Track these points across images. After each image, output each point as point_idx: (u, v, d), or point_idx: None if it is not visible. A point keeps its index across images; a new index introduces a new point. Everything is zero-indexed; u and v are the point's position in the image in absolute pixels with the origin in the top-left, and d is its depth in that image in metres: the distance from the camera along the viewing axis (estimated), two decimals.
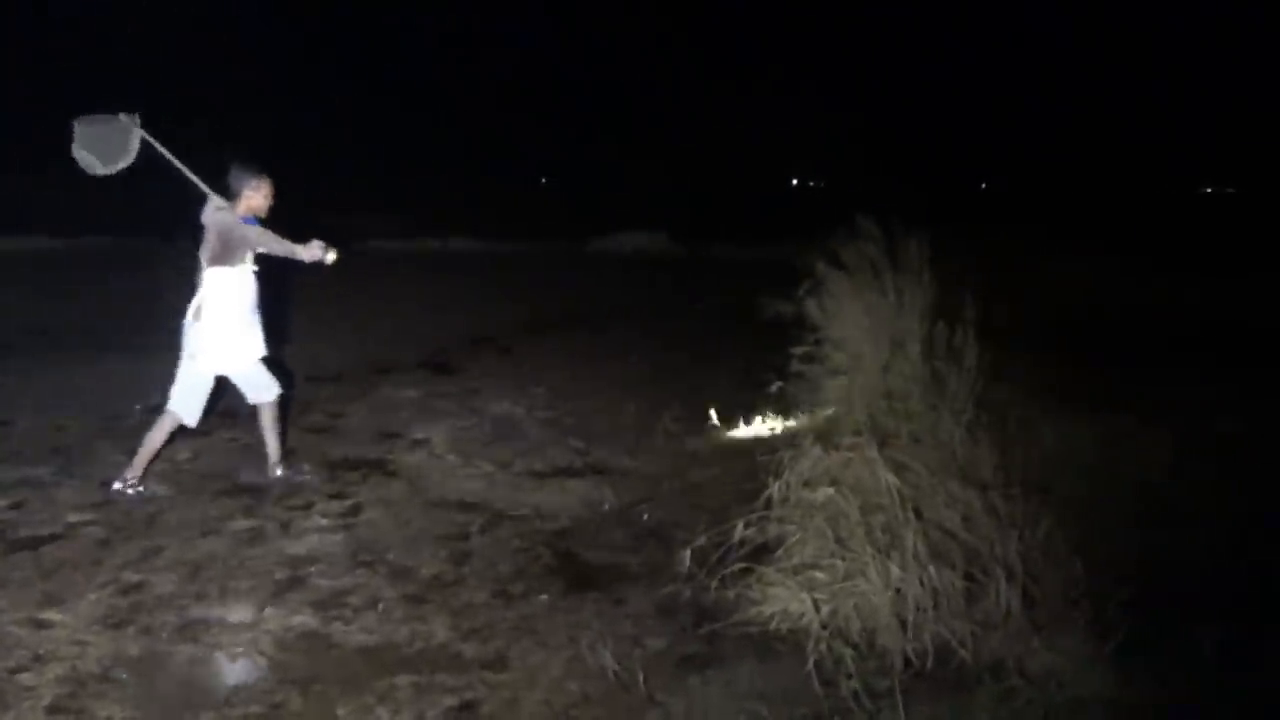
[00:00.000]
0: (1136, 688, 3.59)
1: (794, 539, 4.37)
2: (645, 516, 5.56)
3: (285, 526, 5.29)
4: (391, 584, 4.62)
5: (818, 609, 3.88)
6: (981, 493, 4.28)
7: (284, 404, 7.77)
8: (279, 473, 6.10)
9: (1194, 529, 5.15)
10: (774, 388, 6.50)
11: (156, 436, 5.84)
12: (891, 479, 4.06)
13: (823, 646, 3.73)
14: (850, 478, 4.30)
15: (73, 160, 5.67)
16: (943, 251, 8.03)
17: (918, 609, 3.74)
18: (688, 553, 4.60)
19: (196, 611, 4.28)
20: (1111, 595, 4.19)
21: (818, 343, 7.13)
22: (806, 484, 4.50)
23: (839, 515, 4.18)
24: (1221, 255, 16.03)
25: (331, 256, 5.84)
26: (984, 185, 44.79)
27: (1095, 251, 15.36)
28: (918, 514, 4.06)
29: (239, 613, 4.28)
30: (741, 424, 6.98)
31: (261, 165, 5.84)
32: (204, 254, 5.68)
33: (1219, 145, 41.08)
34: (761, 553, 4.54)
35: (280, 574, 4.70)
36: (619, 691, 3.69)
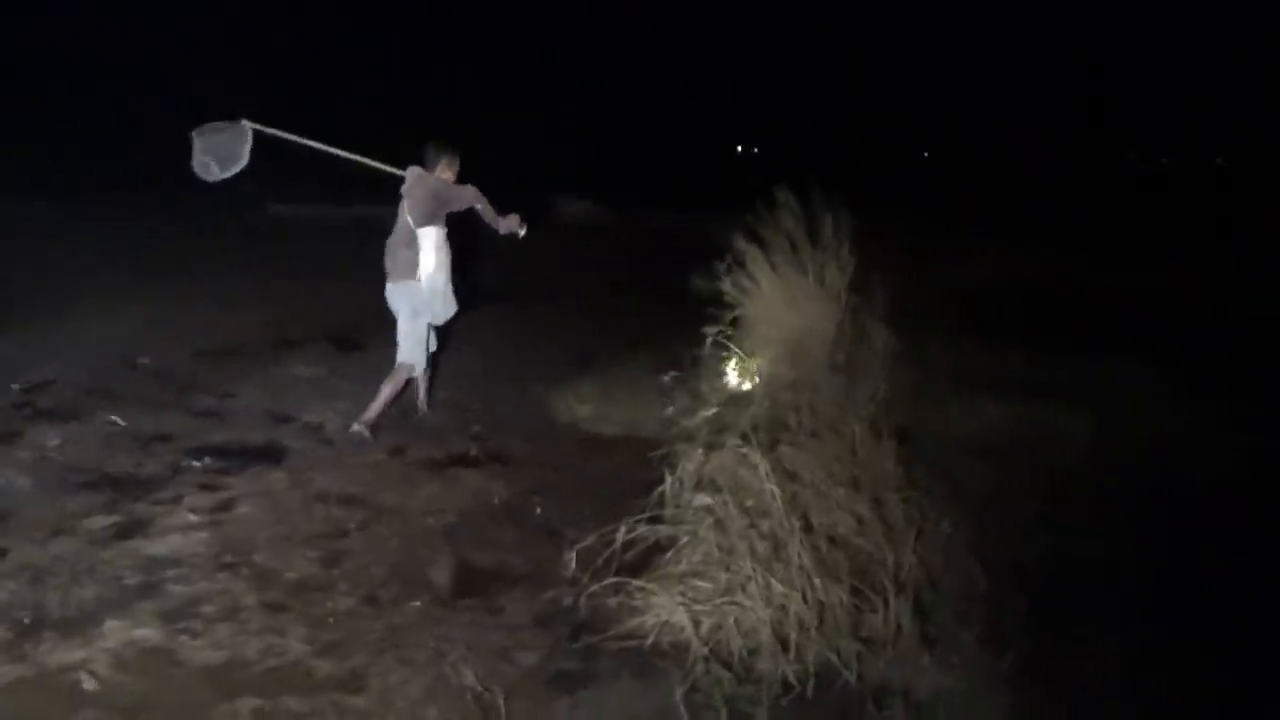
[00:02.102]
0: (1032, 711, 3.38)
1: (683, 543, 4.11)
2: (537, 511, 5.28)
3: (147, 524, 4.91)
4: (252, 590, 4.28)
5: (697, 625, 3.62)
6: (876, 497, 4.03)
7: (170, 383, 7.45)
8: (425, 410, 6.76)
9: (1110, 524, 5.00)
10: (675, 374, 6.24)
11: (391, 389, 6.40)
12: (773, 487, 3.79)
13: (699, 668, 3.47)
14: (735, 481, 4.03)
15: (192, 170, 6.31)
16: (868, 228, 7.80)
17: (800, 627, 3.50)
18: (573, 554, 4.35)
19: (30, 625, 3.92)
20: (1012, 604, 4.00)
21: (733, 323, 6.86)
22: (698, 484, 4.24)
23: (725, 521, 3.91)
24: (1156, 237, 15.97)
25: (523, 232, 6.60)
26: (926, 154, 44.78)
27: (1026, 232, 15.26)
28: (806, 521, 3.81)
29: (77, 626, 3.92)
30: (648, 409, 6.68)
31: (455, 145, 6.49)
32: (413, 217, 6.27)
33: (1153, 117, 41.31)
34: (653, 554, 4.30)
35: (132, 579, 4.33)
36: (478, 715, 3.41)
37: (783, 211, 7.35)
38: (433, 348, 6.74)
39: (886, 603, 3.59)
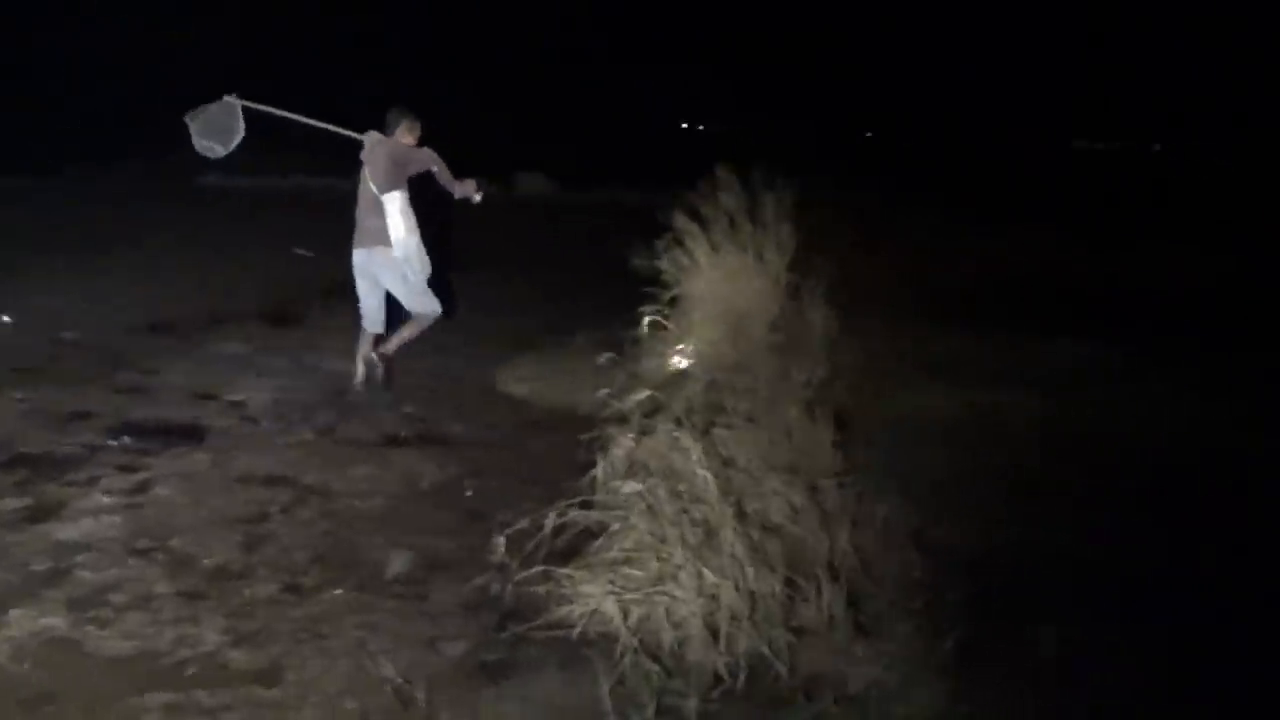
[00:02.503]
0: (967, 701, 3.33)
1: (614, 529, 4.01)
2: (469, 493, 5.15)
3: (60, 507, 4.71)
4: (167, 576, 4.11)
5: (626, 615, 3.52)
6: (813, 484, 3.96)
7: (94, 359, 7.20)
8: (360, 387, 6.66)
9: (1058, 513, 4.90)
10: (612, 355, 6.14)
11: (413, 331, 6.67)
12: (706, 473, 3.70)
13: (628, 660, 3.38)
14: (668, 466, 3.94)
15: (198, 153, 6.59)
16: (809, 206, 7.72)
17: (732, 617, 3.41)
18: (502, 540, 4.23)
19: None
20: (953, 594, 3.94)
21: (673, 301, 6.77)
22: (630, 469, 4.14)
23: (657, 507, 3.81)
24: (1109, 221, 15.98)
25: (479, 198, 6.66)
26: (869, 134, 44.84)
27: (990, 219, 15.18)
28: (739, 508, 3.72)
29: None
30: (586, 390, 6.55)
31: (417, 111, 6.58)
32: (376, 184, 6.31)
33: (1092, 99, 41.61)
34: (584, 540, 4.18)
35: (40, 565, 4.14)
36: (398, 709, 3.29)
37: (724, 189, 7.28)
38: (380, 328, 6.72)
39: (819, 591, 3.51)
